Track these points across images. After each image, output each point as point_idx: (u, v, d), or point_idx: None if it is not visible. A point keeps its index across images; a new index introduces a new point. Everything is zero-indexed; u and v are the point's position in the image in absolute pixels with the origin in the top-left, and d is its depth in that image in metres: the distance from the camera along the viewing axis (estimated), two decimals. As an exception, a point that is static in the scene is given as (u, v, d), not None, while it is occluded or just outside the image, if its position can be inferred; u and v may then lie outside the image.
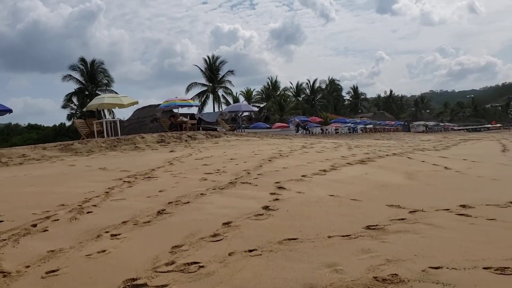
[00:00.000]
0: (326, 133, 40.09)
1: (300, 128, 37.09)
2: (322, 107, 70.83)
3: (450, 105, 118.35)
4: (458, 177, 8.21)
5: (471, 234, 3.80)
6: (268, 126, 43.29)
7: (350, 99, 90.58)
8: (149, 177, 7.21)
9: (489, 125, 79.91)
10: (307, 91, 74.57)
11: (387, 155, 11.84)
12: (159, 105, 31.51)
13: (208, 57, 62.00)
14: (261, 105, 64.22)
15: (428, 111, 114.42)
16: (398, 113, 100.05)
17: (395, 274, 2.74)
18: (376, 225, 3.97)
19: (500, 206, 5.09)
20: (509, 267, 2.88)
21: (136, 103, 22.89)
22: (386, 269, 2.86)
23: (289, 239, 3.52)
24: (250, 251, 3.27)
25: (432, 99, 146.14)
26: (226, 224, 4.04)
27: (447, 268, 2.89)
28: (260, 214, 4.37)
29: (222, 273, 2.89)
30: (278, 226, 3.95)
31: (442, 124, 75.06)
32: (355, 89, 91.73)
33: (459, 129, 68.75)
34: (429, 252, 3.23)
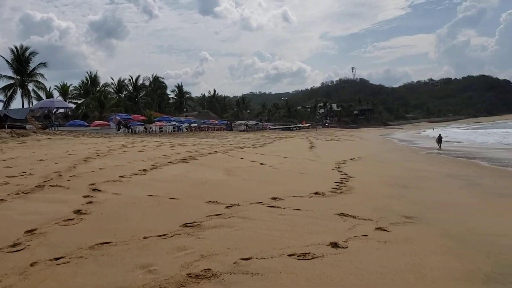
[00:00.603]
0: (150, 131, 39.25)
1: (121, 126, 35.59)
2: (146, 104, 68.93)
3: (268, 106, 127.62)
4: (272, 172, 8.92)
5: (279, 224, 4.14)
6: (86, 124, 40.52)
7: (175, 97, 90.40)
8: None
9: (300, 125, 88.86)
10: (130, 87, 71.66)
11: (210, 153, 12.23)
12: (-49, 99, 26.99)
13: (16, 47, 54.97)
14: (79, 102, 59.49)
15: (248, 111, 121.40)
16: (221, 112, 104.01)
17: (208, 269, 2.81)
18: (193, 222, 4.04)
19: (304, 197, 5.70)
20: (309, 253, 3.21)
21: None
22: (200, 264, 2.91)
23: (101, 243, 3.33)
24: (57, 259, 3.00)
25: (252, 100, 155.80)
26: (30, 231, 3.63)
27: (256, 258, 3.08)
28: (70, 219, 4.05)
29: (21, 286, 2.58)
30: (90, 231, 3.71)
31: (261, 123, 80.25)
32: (180, 87, 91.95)
33: (275, 128, 74.46)
34: (241, 244, 3.40)
